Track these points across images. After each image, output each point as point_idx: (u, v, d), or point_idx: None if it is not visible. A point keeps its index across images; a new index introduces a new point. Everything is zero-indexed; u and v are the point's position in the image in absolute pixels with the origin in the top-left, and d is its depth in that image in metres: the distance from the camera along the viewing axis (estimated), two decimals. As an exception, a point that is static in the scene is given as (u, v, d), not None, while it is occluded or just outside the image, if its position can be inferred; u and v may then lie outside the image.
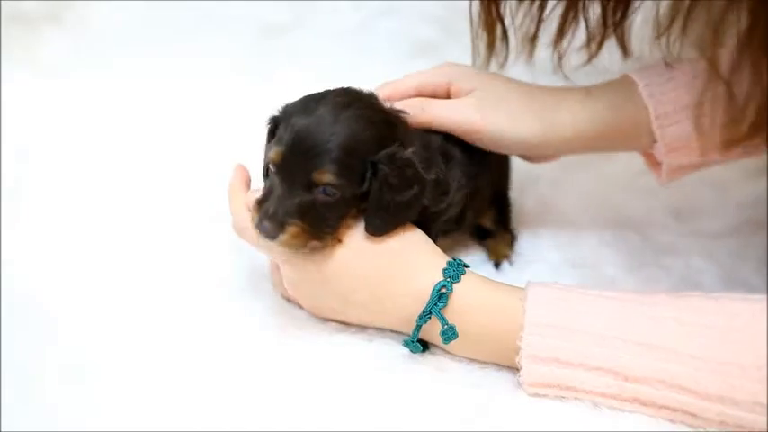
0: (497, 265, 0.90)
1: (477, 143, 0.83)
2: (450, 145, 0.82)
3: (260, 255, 0.83)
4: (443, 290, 0.72)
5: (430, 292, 0.72)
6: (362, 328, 0.79)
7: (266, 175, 0.77)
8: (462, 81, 0.84)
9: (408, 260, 0.75)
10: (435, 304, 0.72)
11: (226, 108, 1.17)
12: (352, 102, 0.74)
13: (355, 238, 0.74)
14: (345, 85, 0.77)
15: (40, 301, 0.85)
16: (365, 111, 0.74)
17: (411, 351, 0.76)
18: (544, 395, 0.71)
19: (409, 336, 0.75)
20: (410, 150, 0.74)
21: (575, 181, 1.02)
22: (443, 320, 0.72)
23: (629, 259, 0.90)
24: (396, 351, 0.77)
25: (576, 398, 0.70)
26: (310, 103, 0.74)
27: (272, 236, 0.71)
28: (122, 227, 0.97)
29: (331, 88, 0.76)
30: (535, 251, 0.91)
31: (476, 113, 0.82)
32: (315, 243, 0.73)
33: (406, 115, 0.79)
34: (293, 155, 0.71)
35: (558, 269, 0.88)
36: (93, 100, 1.19)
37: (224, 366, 0.76)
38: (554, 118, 0.84)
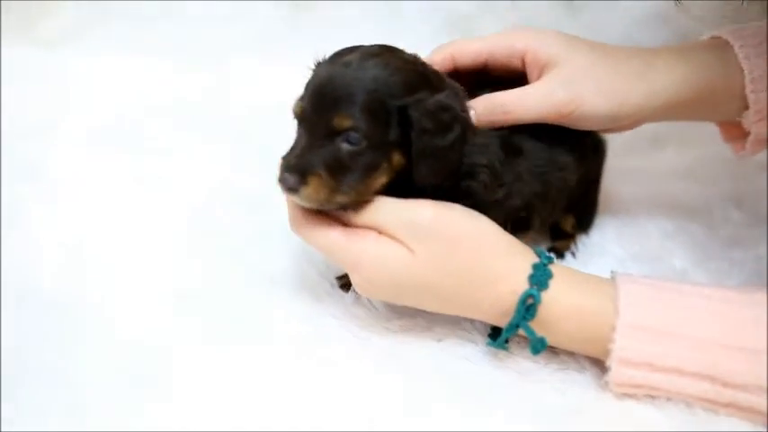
0: (560, 256, 0.86)
1: (566, 124, 0.76)
2: (521, 137, 0.76)
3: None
4: (530, 300, 0.67)
5: (513, 300, 0.68)
6: (430, 325, 0.76)
7: None
8: (540, 48, 0.75)
9: (486, 266, 0.69)
10: (523, 317, 0.68)
11: (248, 86, 1.12)
12: (383, 52, 0.70)
13: (424, 245, 0.68)
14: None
15: (45, 292, 0.79)
16: (394, 59, 0.69)
17: (495, 348, 0.72)
18: (632, 394, 0.68)
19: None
20: (443, 94, 0.69)
21: (627, 168, 0.98)
22: (532, 335, 0.68)
23: (695, 252, 0.86)
24: (465, 351, 0.73)
25: (667, 397, 0.67)
26: (338, 54, 0.71)
27: (294, 189, 0.67)
28: (133, 210, 0.91)
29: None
30: (597, 243, 0.88)
31: (561, 92, 0.74)
32: (341, 198, 0.68)
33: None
34: (314, 104, 0.68)
35: (624, 262, 0.85)
36: (102, 73, 1.13)
37: (277, 373, 0.71)
38: (647, 85, 0.76)
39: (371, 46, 0.71)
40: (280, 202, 0.82)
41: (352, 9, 1.15)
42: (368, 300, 0.78)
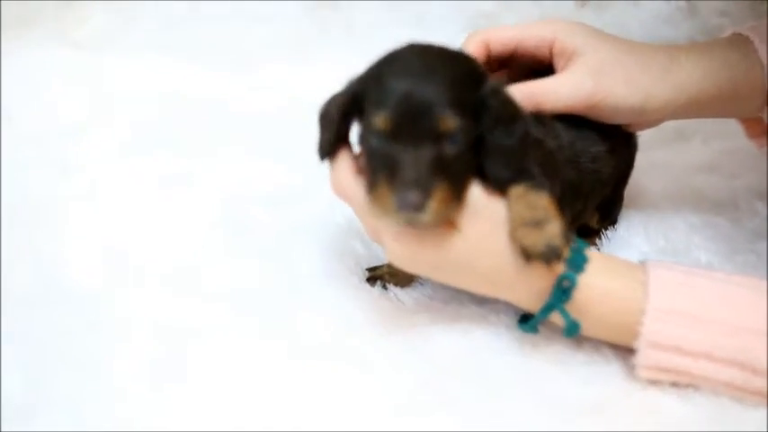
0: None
1: (592, 116, 0.77)
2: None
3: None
4: (566, 283, 0.68)
5: (549, 283, 0.68)
6: (457, 318, 0.76)
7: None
8: (567, 38, 0.76)
9: None
10: (559, 300, 0.68)
11: (276, 86, 1.14)
12: (430, 47, 0.68)
13: (470, 223, 0.68)
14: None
15: (75, 287, 0.81)
16: (446, 51, 0.68)
17: (525, 331, 0.73)
18: (658, 379, 0.69)
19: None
20: (502, 83, 0.69)
21: (652, 162, 0.98)
22: (567, 317, 0.69)
23: (721, 245, 0.86)
24: (492, 344, 0.74)
25: (693, 384, 0.68)
26: (390, 62, 0.67)
27: (419, 206, 0.62)
28: (163, 208, 0.92)
29: (395, 48, 0.69)
30: (623, 236, 0.88)
31: (590, 82, 0.75)
32: (455, 206, 0.65)
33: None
34: (404, 112, 0.63)
35: (649, 257, 0.84)
36: (133, 76, 1.16)
37: (303, 364, 0.72)
38: (672, 80, 0.77)
39: (408, 46, 0.69)
40: (308, 199, 0.85)
41: (378, 10, 1.17)
42: (394, 294, 0.79)
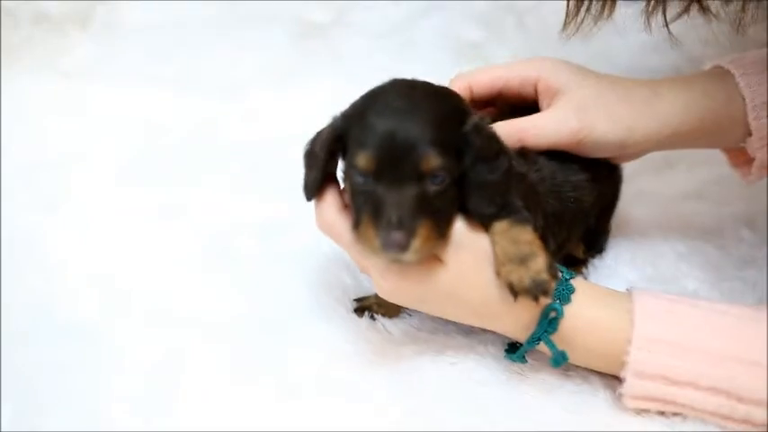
0: (572, 278, 0.86)
1: (576, 152, 0.78)
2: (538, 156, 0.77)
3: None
4: (553, 314, 0.68)
5: (536, 314, 0.68)
6: (444, 349, 0.76)
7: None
8: (552, 76, 0.78)
9: None
10: (545, 331, 0.68)
11: (262, 116, 1.15)
12: (414, 84, 0.69)
13: (455, 257, 0.68)
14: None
15: (63, 317, 0.81)
16: (430, 88, 0.69)
17: (512, 361, 0.73)
18: (645, 408, 0.69)
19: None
20: (485, 121, 0.69)
21: (639, 190, 0.98)
22: (554, 348, 0.69)
23: (708, 273, 0.87)
24: (479, 375, 0.74)
25: (680, 413, 0.68)
26: (373, 100, 0.68)
27: (404, 246, 0.62)
28: (151, 239, 0.93)
29: (381, 83, 0.70)
30: (610, 265, 0.88)
31: (574, 119, 0.76)
32: (439, 243, 0.66)
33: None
34: (388, 152, 0.64)
35: (637, 285, 0.84)
36: (121, 105, 1.16)
37: (290, 396, 0.72)
38: (654, 113, 0.78)
39: (394, 83, 0.69)
40: (295, 230, 0.85)
41: (364, 40, 1.18)
42: (382, 325, 0.79)
